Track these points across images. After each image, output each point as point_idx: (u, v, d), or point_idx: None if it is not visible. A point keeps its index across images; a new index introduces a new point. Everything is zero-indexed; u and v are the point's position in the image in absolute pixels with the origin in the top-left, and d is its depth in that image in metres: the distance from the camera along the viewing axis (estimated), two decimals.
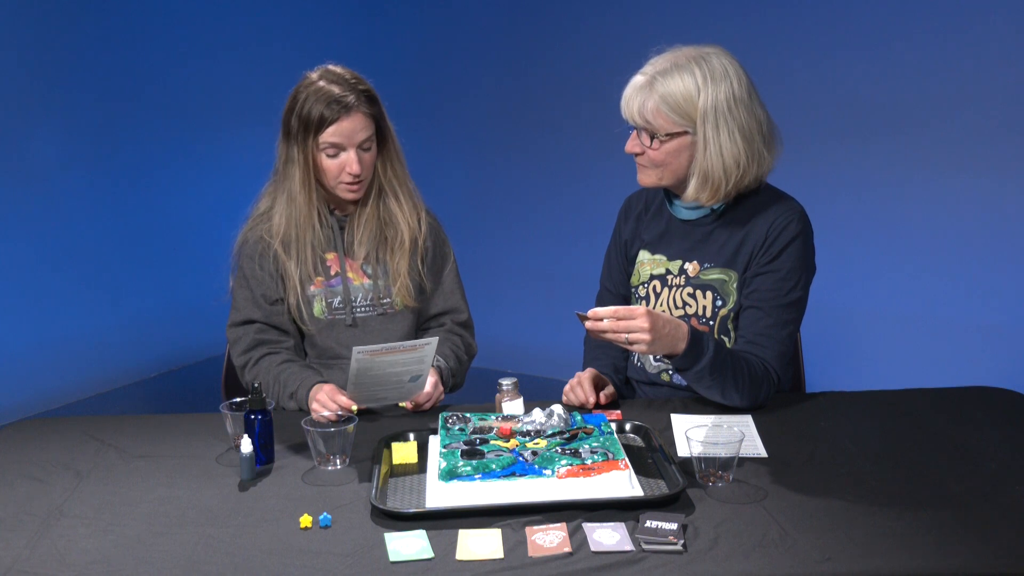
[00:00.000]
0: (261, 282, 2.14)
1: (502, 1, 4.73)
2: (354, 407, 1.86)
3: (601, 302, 2.25)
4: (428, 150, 4.63)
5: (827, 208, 3.95)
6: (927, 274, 3.85)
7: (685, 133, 1.93)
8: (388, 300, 2.19)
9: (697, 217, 2.06)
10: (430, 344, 1.86)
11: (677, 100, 1.90)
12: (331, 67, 2.12)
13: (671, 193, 2.10)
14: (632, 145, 1.98)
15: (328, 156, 2.07)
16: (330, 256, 2.17)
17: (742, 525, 1.43)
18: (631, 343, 1.78)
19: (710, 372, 1.85)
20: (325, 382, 2.00)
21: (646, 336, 1.76)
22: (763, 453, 1.71)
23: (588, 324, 1.79)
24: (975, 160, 3.72)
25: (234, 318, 2.16)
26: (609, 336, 1.79)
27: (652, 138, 1.94)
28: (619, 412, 1.93)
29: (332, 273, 2.17)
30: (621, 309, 1.77)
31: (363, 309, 2.18)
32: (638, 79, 1.95)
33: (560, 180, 4.66)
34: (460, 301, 2.29)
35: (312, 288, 2.15)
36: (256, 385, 1.73)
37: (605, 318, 1.77)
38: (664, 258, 2.09)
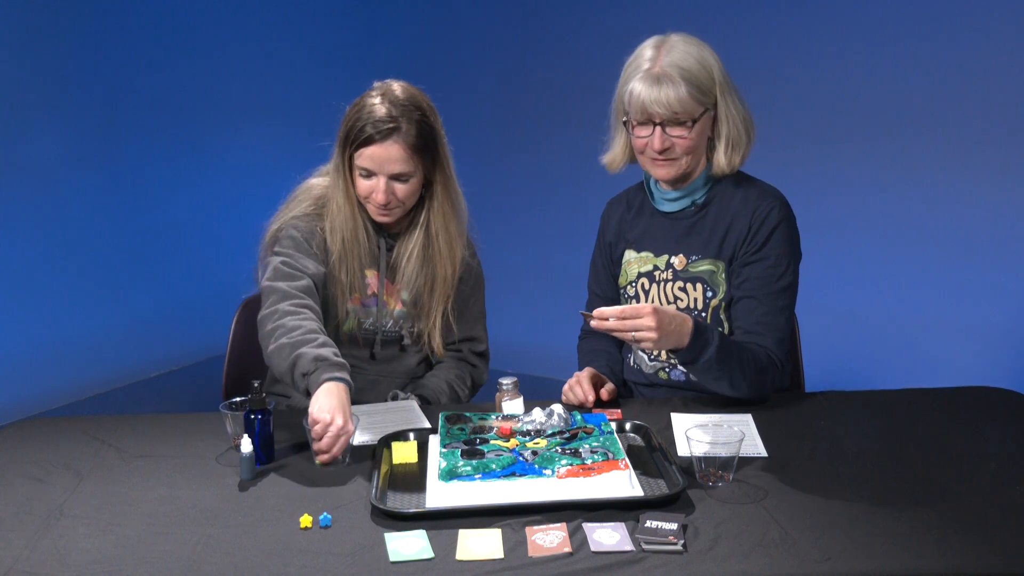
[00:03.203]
0: (308, 254, 2.02)
1: (502, 1, 4.73)
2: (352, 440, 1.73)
3: (591, 308, 2.25)
4: None
5: (827, 208, 3.96)
6: (927, 274, 3.85)
7: (706, 111, 1.97)
8: (416, 330, 2.16)
9: (679, 209, 2.07)
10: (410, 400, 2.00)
11: (701, 79, 1.93)
12: (396, 85, 2.01)
13: (654, 188, 2.13)
14: (662, 141, 1.96)
15: (361, 176, 1.99)
16: (370, 274, 2.11)
17: (742, 525, 1.43)
18: (637, 341, 1.78)
19: (717, 362, 1.86)
20: (342, 380, 1.76)
21: (652, 335, 1.76)
22: (763, 453, 1.71)
23: (593, 323, 1.79)
24: (976, 160, 3.72)
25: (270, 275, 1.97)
26: (616, 334, 1.79)
27: (692, 125, 1.95)
28: (619, 411, 1.93)
29: (369, 293, 2.12)
30: (627, 309, 1.77)
31: (390, 334, 2.16)
32: (647, 75, 1.93)
33: (560, 180, 4.65)
34: (481, 332, 2.27)
35: (349, 304, 2.11)
36: (256, 384, 1.72)
37: (611, 317, 1.77)
38: (651, 254, 2.10)
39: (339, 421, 1.66)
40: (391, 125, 1.93)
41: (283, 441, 1.80)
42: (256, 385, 1.72)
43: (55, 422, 2.06)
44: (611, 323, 1.77)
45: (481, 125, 4.87)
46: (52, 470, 1.71)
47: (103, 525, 1.48)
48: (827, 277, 3.87)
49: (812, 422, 1.88)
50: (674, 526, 1.39)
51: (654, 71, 1.93)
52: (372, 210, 2.03)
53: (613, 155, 2.13)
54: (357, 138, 1.94)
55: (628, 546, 1.37)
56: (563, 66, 4.56)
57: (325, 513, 1.47)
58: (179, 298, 4.68)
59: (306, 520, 1.46)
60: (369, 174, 1.97)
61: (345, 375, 1.78)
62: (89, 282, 4.37)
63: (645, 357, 2.11)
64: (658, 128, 1.95)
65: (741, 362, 1.89)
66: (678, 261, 2.05)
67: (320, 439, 1.66)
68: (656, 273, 2.08)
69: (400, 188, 1.98)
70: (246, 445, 1.64)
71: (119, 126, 4.43)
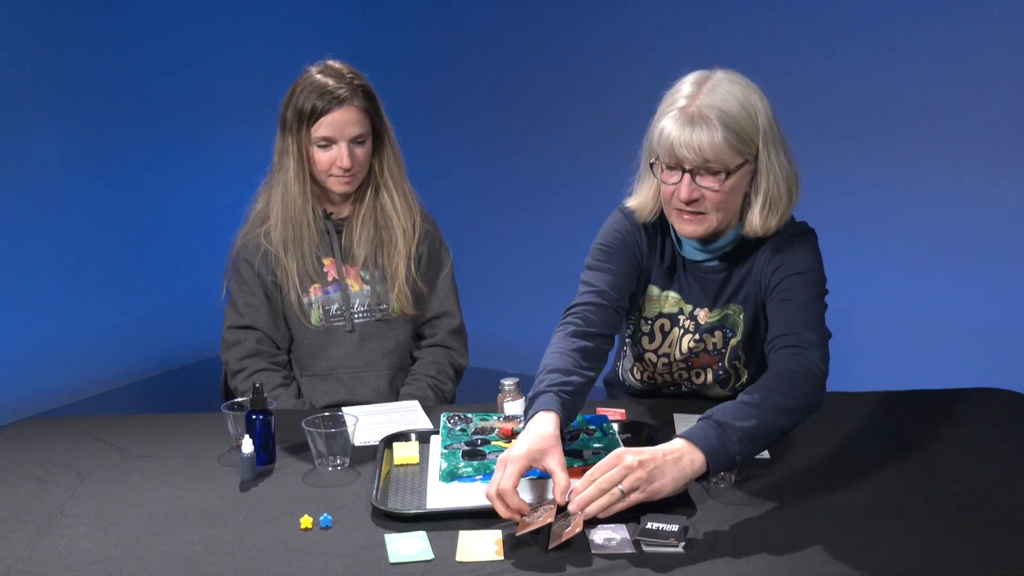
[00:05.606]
0: (260, 291, 2.15)
1: (502, 1, 4.73)
2: None
3: (589, 314, 1.83)
4: (428, 150, 4.62)
5: (827, 208, 3.94)
6: (927, 274, 3.85)
7: (745, 163, 1.72)
8: (386, 306, 2.19)
9: (702, 260, 1.88)
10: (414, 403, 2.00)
11: (742, 126, 1.68)
12: (330, 62, 2.13)
13: (682, 237, 1.86)
14: (690, 191, 1.71)
15: (320, 148, 2.07)
16: (327, 262, 2.17)
17: (743, 527, 1.43)
18: (635, 491, 1.41)
19: (755, 443, 1.54)
20: None
21: (642, 474, 1.41)
22: (765, 454, 1.71)
23: (572, 507, 1.40)
24: (975, 160, 3.72)
25: (235, 320, 2.16)
26: (601, 503, 1.40)
27: (727, 177, 1.70)
28: (622, 412, 1.93)
29: (329, 279, 2.16)
30: (594, 470, 1.42)
31: (361, 315, 2.18)
32: (681, 114, 1.67)
33: (560, 180, 4.65)
34: (454, 306, 2.28)
35: (309, 296, 2.15)
36: (258, 385, 1.72)
37: (583, 495, 1.39)
38: (679, 298, 1.92)
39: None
40: (342, 91, 2.05)
41: (284, 441, 1.80)
42: (258, 385, 1.73)
43: (56, 422, 2.06)
44: (590, 492, 1.40)
45: (481, 125, 4.87)
46: (53, 470, 1.71)
47: (104, 525, 1.48)
48: (828, 277, 3.87)
49: (812, 422, 1.87)
50: (675, 527, 1.39)
51: (689, 110, 1.67)
52: (334, 182, 2.10)
53: (642, 200, 1.86)
54: (313, 111, 2.05)
55: (629, 547, 1.37)
56: (562, 67, 4.56)
57: (326, 514, 1.47)
58: (179, 298, 4.68)
59: (307, 521, 1.46)
60: (329, 144, 2.06)
61: None
62: (89, 282, 4.37)
63: (634, 371, 2.07)
64: (687, 175, 1.70)
65: (777, 413, 1.58)
66: (703, 314, 1.91)
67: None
68: (681, 319, 1.92)
69: (359, 151, 2.09)
70: (247, 445, 1.64)
71: (119, 126, 4.43)
